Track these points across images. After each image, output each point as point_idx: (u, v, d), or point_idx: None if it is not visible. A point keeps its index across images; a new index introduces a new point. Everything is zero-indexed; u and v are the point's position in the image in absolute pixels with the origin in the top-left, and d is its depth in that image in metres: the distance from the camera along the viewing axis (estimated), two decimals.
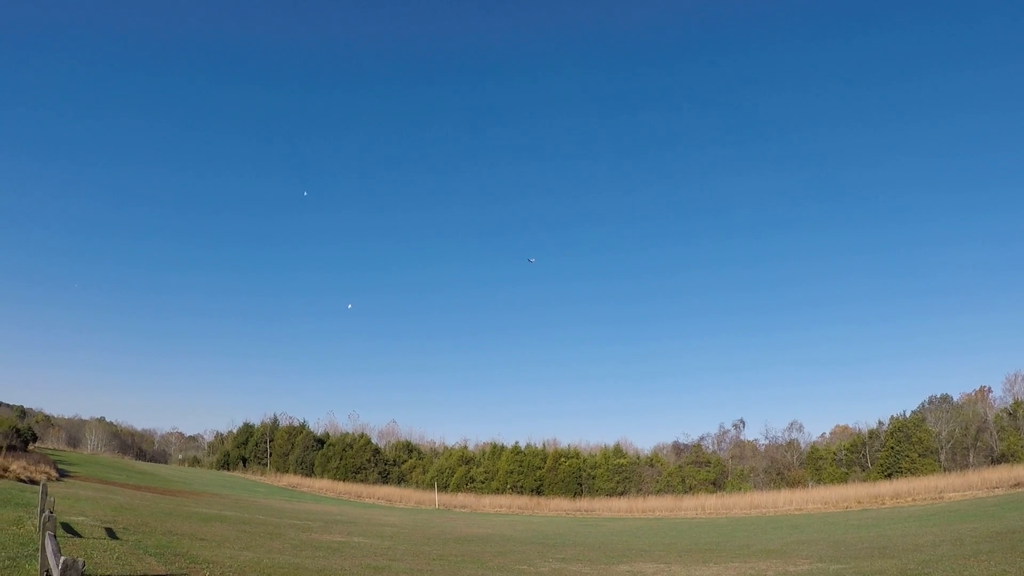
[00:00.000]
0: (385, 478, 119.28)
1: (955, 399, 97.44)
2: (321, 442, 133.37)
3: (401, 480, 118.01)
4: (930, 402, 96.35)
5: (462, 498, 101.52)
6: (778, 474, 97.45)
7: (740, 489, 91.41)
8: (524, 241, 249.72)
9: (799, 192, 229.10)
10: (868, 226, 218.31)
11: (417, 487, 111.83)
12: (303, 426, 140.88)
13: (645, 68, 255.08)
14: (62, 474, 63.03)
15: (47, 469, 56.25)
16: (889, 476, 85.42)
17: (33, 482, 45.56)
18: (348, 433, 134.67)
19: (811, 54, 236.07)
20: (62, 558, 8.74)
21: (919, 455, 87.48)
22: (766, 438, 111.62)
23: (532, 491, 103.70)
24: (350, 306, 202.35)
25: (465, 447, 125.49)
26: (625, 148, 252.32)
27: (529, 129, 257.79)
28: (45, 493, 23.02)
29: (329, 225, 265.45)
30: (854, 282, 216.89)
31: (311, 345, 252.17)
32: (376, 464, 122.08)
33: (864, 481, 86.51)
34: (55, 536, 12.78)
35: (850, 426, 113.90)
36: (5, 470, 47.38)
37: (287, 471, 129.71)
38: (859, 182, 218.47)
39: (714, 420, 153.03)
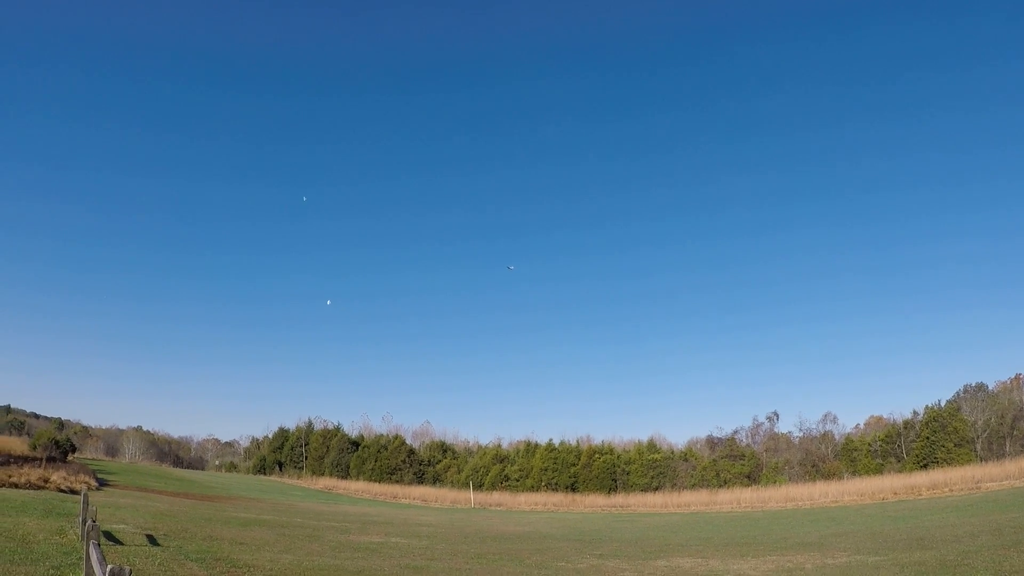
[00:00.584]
0: (420, 478, 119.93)
1: (990, 387, 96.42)
2: (356, 444, 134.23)
3: (436, 480, 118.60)
4: (965, 391, 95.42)
5: (497, 497, 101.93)
6: (813, 466, 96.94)
7: (775, 482, 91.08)
8: (553, 240, 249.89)
9: (826, 186, 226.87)
10: (902, 217, 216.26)
11: (452, 487, 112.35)
12: (338, 429, 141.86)
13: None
14: (102, 483, 63.64)
15: (87, 479, 56.61)
16: (925, 467, 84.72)
17: (73, 492, 46.04)
18: (383, 435, 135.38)
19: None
20: (108, 566, 9.01)
21: (955, 445, 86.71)
22: (800, 430, 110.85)
23: (567, 488, 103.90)
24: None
25: (499, 446, 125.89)
26: (649, 143, 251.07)
27: (555, 127, 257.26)
28: (87, 502, 23.42)
29: (354, 229, 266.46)
30: (887, 273, 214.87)
31: (344, 348, 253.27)
32: (411, 465, 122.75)
33: (900, 472, 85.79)
34: (99, 544, 13.04)
35: (885, 417, 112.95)
36: (46, 481, 47.96)
37: (323, 474, 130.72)
38: (889, 173, 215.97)
39: (747, 413, 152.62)
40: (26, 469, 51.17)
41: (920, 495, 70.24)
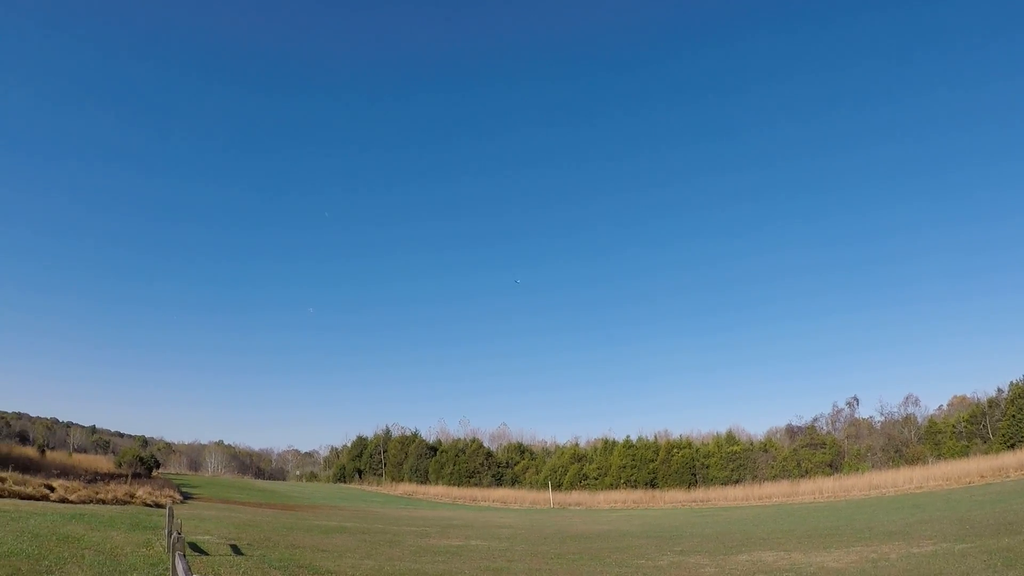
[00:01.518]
0: (499, 480, 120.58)
1: None
2: (434, 449, 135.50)
3: (515, 482, 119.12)
4: None
5: (576, 496, 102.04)
6: (896, 452, 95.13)
7: (857, 470, 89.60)
8: (629, 233, 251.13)
9: (902, 166, 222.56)
10: (977, 194, 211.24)
11: (531, 488, 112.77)
12: (415, 435, 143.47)
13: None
14: (185, 496, 65.33)
15: (171, 493, 58.20)
16: (1012, 447, 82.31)
17: (159, 506, 47.22)
18: (460, 439, 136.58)
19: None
20: None
21: None
22: (881, 415, 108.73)
23: (646, 484, 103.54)
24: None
25: (576, 445, 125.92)
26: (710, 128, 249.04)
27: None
28: (171, 515, 23.98)
29: (423, 233, 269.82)
30: (965, 251, 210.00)
31: (419, 355, 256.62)
32: (489, 467, 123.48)
33: (986, 454, 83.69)
34: (184, 555, 13.39)
35: (968, 396, 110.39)
36: (131, 496, 49.23)
37: (402, 480, 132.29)
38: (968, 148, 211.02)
39: (827, 399, 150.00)
40: (112, 486, 52.65)
41: (1008, 476, 68.46)
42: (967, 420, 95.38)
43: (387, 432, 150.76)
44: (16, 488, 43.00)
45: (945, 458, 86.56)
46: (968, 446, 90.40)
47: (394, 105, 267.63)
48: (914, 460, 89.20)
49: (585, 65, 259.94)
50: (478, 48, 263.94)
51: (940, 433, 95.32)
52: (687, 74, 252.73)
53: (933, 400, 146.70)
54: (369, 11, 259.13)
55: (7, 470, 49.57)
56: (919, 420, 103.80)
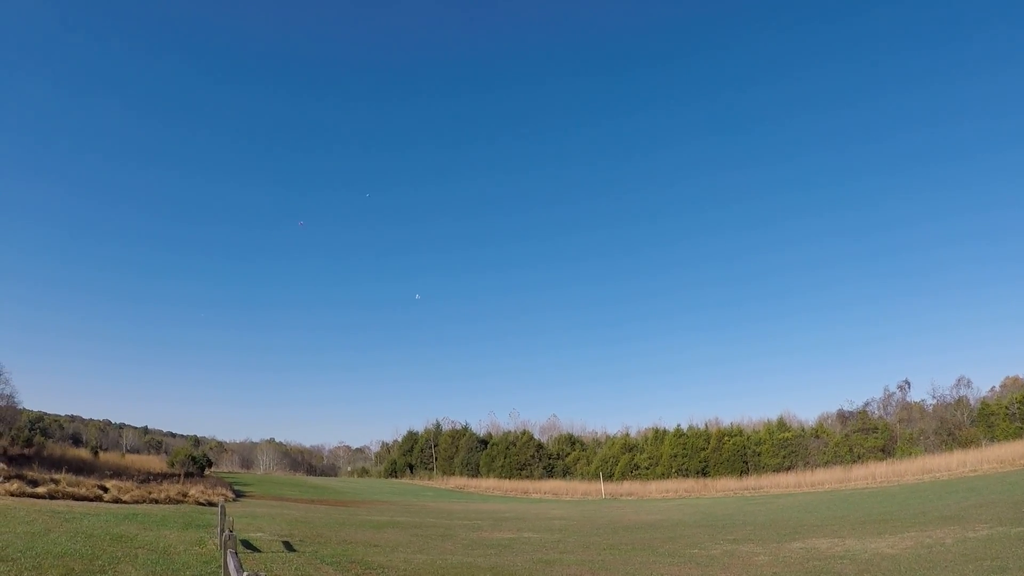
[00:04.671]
0: (550, 472, 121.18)
1: None
2: (484, 442, 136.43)
3: (566, 473, 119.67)
4: None
5: (628, 486, 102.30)
6: (949, 435, 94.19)
7: (910, 454, 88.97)
8: (680, 224, 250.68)
9: (948, 149, 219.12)
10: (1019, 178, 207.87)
11: (582, 479, 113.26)
12: (466, 428, 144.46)
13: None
14: (238, 495, 65.95)
15: (223, 491, 58.66)
16: None
17: (211, 504, 47.60)
18: (510, 431, 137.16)
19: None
20: (245, 573, 9.68)
21: None
22: (933, 397, 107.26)
23: (697, 473, 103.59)
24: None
25: (627, 434, 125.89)
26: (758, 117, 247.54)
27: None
28: (224, 513, 24.27)
29: (476, 229, 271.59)
30: (1014, 233, 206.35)
31: (468, 348, 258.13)
32: (540, 459, 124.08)
33: None
34: (236, 553, 13.49)
35: (1021, 376, 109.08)
36: (184, 495, 49.82)
37: (453, 473, 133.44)
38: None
39: (878, 383, 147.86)
40: (165, 485, 53.25)
41: None
42: (1020, 401, 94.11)
43: (437, 426, 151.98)
44: (70, 489, 43.80)
45: (999, 440, 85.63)
46: (1022, 427, 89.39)
47: (448, 103, 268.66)
48: (967, 443, 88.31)
49: (625, 59, 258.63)
50: (496, 49, 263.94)
51: (993, 415, 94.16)
52: (709, 70, 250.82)
53: (985, 382, 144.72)
54: (389, 14, 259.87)
55: (61, 472, 50.59)
56: (972, 402, 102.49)
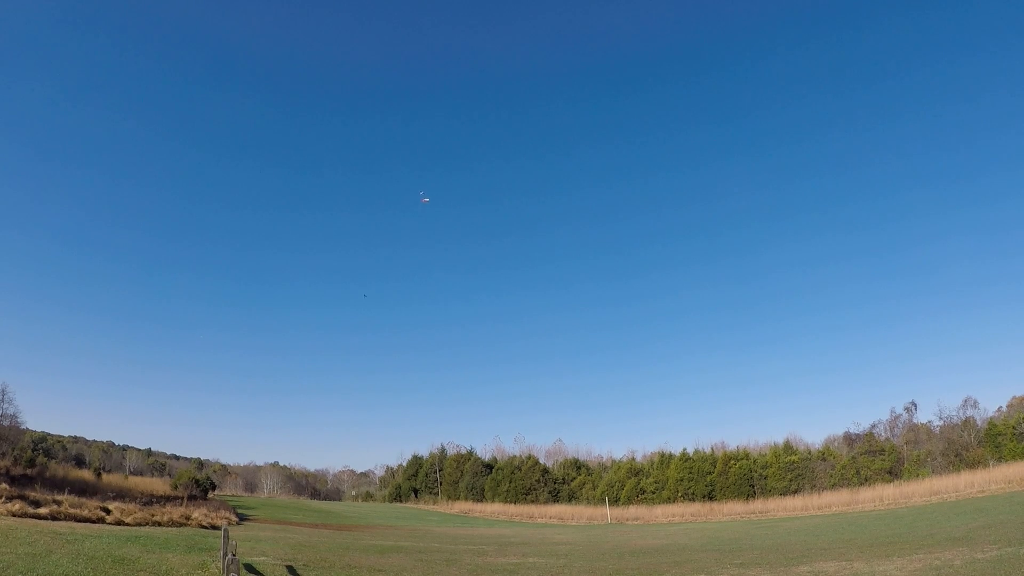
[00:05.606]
0: (555, 497, 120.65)
1: None
2: (489, 467, 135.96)
3: (571, 498, 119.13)
4: None
5: (634, 510, 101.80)
6: (956, 456, 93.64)
7: (918, 476, 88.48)
8: (687, 247, 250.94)
9: (952, 170, 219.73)
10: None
11: (588, 503, 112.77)
12: (471, 453, 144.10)
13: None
14: (241, 518, 65.94)
15: (227, 514, 58.72)
16: None
17: (214, 527, 47.55)
18: (515, 456, 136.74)
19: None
20: None
21: None
22: (940, 419, 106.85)
23: (704, 497, 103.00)
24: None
25: (633, 459, 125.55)
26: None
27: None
28: (227, 537, 24.43)
29: (477, 254, 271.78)
30: (1019, 253, 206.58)
31: (473, 373, 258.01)
32: (545, 484, 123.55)
33: None
34: None
35: None
36: (187, 518, 49.83)
37: (458, 498, 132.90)
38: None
39: (884, 406, 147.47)
40: (168, 508, 53.42)
41: None
42: None
43: (442, 450, 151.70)
44: (72, 511, 43.83)
45: (1006, 460, 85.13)
46: None
47: (478, 120, 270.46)
48: (974, 464, 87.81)
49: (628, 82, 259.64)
50: (528, 66, 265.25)
51: (1000, 435, 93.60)
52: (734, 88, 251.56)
53: (992, 402, 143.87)
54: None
55: (63, 493, 50.68)
56: (978, 423, 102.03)
